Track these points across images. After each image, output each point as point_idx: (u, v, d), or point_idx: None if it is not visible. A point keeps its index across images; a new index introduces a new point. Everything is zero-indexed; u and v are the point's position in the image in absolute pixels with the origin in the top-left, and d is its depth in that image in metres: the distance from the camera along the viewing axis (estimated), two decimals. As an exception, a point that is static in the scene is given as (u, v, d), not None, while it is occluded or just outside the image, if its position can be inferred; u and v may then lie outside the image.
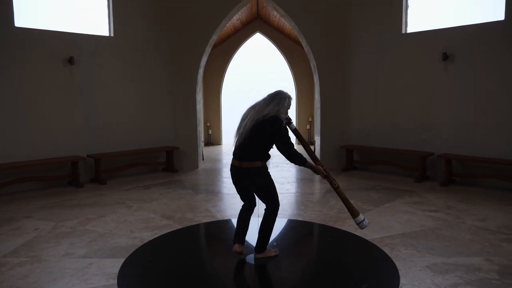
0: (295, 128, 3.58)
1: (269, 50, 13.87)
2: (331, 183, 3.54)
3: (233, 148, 3.50)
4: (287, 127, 3.42)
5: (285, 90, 3.46)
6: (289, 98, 3.42)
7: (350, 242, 4.08)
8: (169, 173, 7.77)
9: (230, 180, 6.94)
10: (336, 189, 3.55)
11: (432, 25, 6.97)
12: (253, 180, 3.39)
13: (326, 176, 3.49)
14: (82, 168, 6.81)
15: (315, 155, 3.69)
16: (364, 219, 3.58)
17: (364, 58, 7.75)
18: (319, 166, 3.48)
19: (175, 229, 4.43)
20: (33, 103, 6.47)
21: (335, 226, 4.48)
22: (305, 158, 3.36)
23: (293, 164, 3.56)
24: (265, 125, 3.24)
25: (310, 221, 4.72)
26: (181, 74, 8.06)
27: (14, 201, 5.74)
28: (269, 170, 3.46)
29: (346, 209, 5.04)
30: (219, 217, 4.89)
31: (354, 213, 3.59)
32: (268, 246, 3.59)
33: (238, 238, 3.55)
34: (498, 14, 6.17)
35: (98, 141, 7.19)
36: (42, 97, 6.55)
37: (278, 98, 3.35)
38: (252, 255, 3.59)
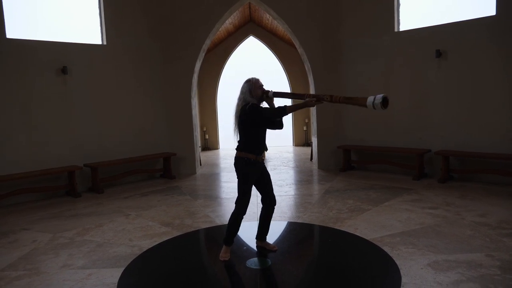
0: (274, 92, 3.49)
1: (263, 52, 13.89)
2: (324, 99, 3.24)
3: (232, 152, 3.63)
4: (265, 101, 3.56)
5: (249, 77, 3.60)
6: (247, 81, 3.53)
7: (350, 243, 4.07)
8: (166, 180, 7.74)
9: (228, 185, 7.01)
10: (332, 98, 3.20)
11: (424, 22, 7.00)
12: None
13: (317, 100, 3.26)
14: (79, 178, 6.78)
15: (302, 94, 3.44)
16: (374, 97, 3.00)
17: (358, 57, 7.76)
18: (307, 99, 3.30)
19: (174, 236, 4.40)
20: (27, 114, 6.44)
21: (335, 227, 4.46)
22: (283, 106, 3.33)
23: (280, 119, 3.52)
24: (241, 117, 3.46)
25: (310, 222, 4.70)
26: (175, 79, 8.05)
27: (11, 213, 5.69)
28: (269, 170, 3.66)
29: (345, 210, 5.07)
30: (218, 222, 4.86)
31: (362, 101, 3.09)
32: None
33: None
34: (489, 9, 6.21)
35: (95, 150, 7.16)
36: (36, 108, 6.52)
37: (240, 89, 3.55)
38: (252, 260, 3.58)
